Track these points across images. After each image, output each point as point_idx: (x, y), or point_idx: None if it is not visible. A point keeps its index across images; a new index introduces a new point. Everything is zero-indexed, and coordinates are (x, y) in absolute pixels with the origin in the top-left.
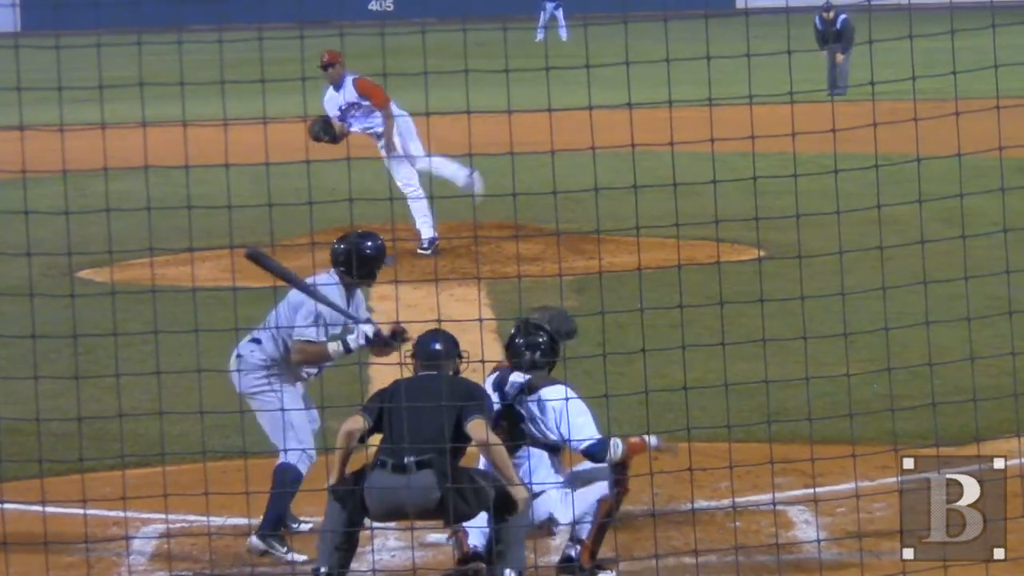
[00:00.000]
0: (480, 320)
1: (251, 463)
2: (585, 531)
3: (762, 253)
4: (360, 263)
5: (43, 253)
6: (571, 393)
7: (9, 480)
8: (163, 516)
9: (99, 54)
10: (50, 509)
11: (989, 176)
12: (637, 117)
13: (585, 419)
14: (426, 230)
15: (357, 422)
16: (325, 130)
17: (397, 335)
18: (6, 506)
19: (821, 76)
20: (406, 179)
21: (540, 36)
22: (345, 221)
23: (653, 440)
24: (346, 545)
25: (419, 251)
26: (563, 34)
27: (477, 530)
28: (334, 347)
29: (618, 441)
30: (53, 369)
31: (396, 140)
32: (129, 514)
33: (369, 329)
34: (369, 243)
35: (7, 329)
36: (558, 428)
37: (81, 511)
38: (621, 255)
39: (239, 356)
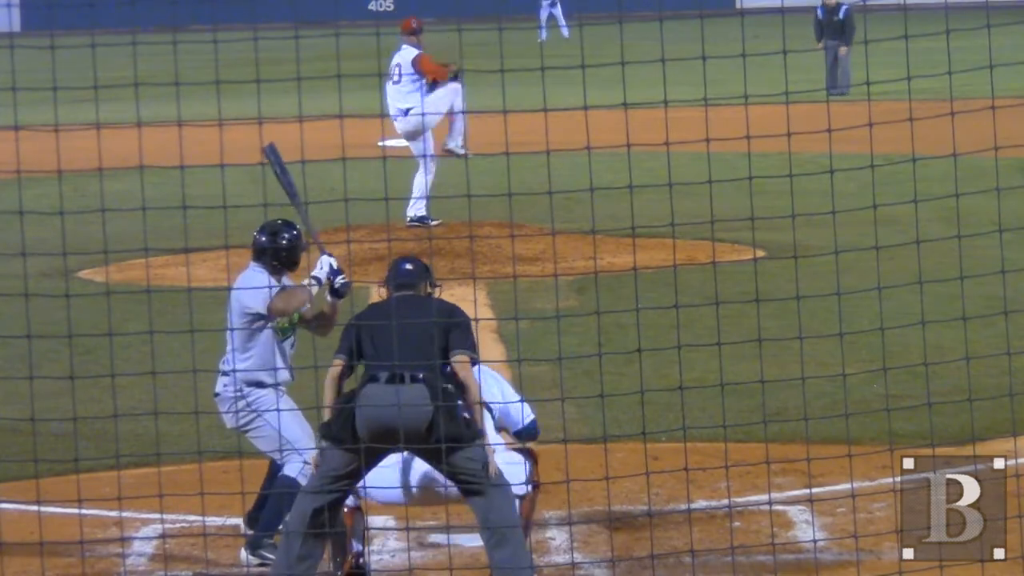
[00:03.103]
0: (476, 320)
1: (247, 463)
2: None
3: (761, 253)
4: (288, 252)
5: (38, 253)
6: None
7: (6, 480)
8: (160, 516)
9: (94, 54)
10: (47, 509)
11: (987, 176)
12: (641, 117)
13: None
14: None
15: (337, 366)
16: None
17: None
18: (3, 506)
19: (820, 76)
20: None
21: (543, 36)
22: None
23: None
24: (311, 552)
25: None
26: (564, 32)
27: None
28: (306, 282)
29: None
30: (50, 369)
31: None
32: (126, 514)
33: (331, 260)
34: (288, 233)
35: (4, 329)
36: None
37: (78, 511)
38: (622, 255)
39: (217, 395)
